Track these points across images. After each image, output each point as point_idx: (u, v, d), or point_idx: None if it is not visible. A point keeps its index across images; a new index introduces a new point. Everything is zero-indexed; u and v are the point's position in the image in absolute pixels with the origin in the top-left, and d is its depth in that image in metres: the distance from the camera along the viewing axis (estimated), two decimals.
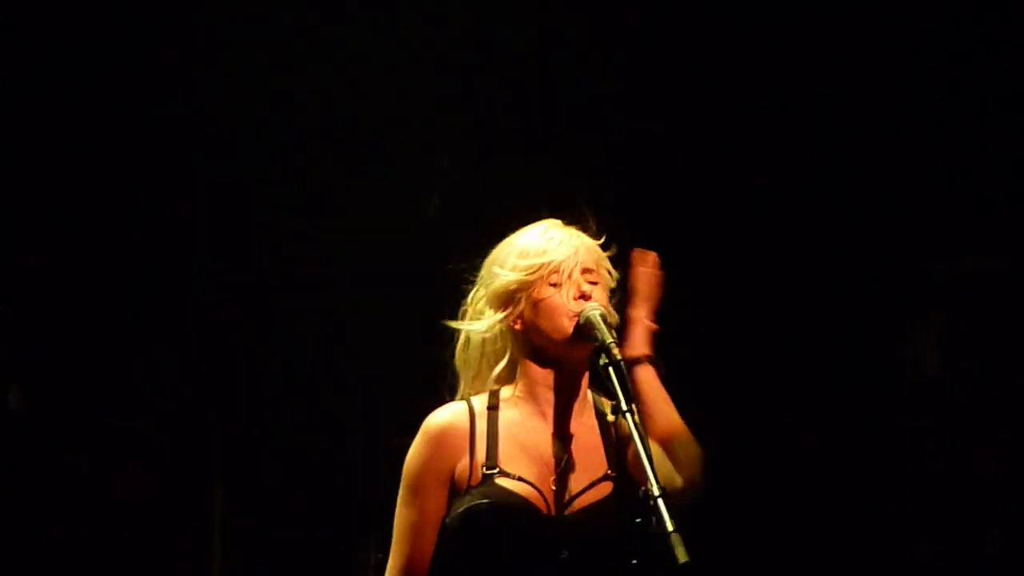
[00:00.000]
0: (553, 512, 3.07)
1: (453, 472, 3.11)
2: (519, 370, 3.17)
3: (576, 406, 3.17)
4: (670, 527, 2.80)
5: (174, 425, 4.92)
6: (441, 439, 3.12)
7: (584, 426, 3.17)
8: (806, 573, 4.82)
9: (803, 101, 4.86)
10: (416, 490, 3.12)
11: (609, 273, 3.20)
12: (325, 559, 4.92)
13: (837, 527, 4.82)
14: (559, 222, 3.22)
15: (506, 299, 3.15)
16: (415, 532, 3.11)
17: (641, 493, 2.88)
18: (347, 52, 4.84)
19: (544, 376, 3.16)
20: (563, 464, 3.11)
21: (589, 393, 3.20)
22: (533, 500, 3.06)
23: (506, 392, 3.17)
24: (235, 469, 4.95)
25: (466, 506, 3.05)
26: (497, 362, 3.18)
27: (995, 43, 4.68)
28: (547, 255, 3.13)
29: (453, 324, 3.20)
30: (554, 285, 3.12)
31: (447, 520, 3.09)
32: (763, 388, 4.78)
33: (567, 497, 3.09)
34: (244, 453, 4.96)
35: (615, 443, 3.15)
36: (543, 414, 3.15)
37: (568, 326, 3.09)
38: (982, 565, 4.27)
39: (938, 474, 4.21)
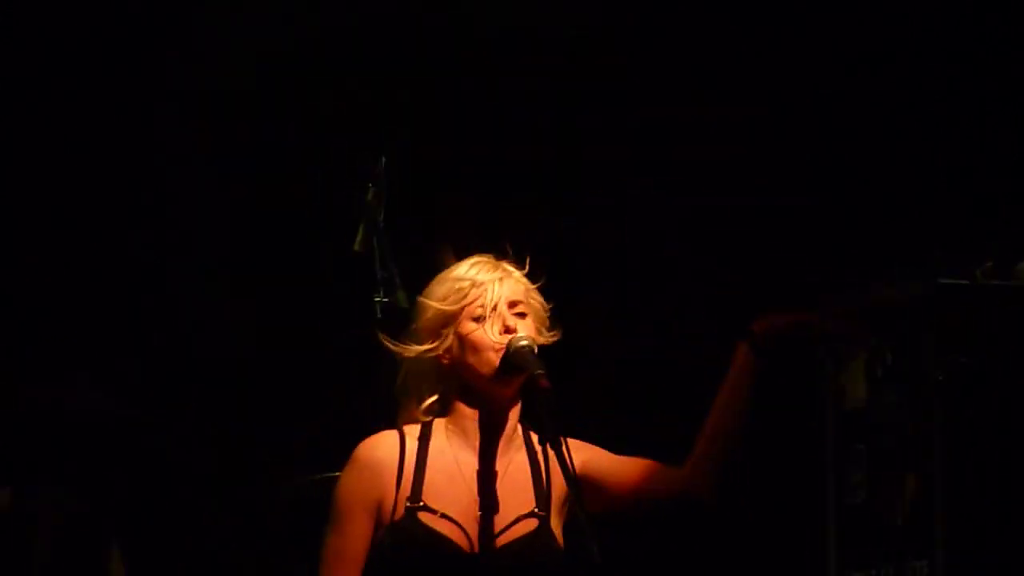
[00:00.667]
0: (476, 548, 3.08)
1: (380, 502, 3.12)
2: (451, 405, 3.18)
3: (504, 442, 3.18)
4: (597, 559, 2.83)
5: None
6: (369, 467, 3.14)
7: (513, 462, 3.19)
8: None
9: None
10: (342, 516, 3.14)
11: (540, 304, 3.22)
12: None
13: (763, 557, 4.84)
14: (488, 257, 3.23)
15: (433, 332, 3.19)
16: (339, 559, 3.13)
17: (573, 518, 2.91)
18: None
19: (473, 412, 3.18)
20: (488, 500, 3.11)
21: (519, 428, 3.21)
22: (454, 537, 3.08)
23: (438, 425, 3.18)
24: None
25: (386, 544, 3.07)
26: (429, 394, 3.19)
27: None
28: (472, 289, 3.15)
29: (385, 341, 3.21)
30: (478, 319, 3.14)
31: (370, 555, 3.10)
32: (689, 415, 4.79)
33: (491, 533, 3.10)
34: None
35: (545, 479, 3.16)
36: (472, 448, 3.17)
37: (494, 359, 3.11)
38: None
39: (863, 505, 4.23)
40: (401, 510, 3.08)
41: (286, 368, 4.89)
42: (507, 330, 3.12)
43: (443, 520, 3.08)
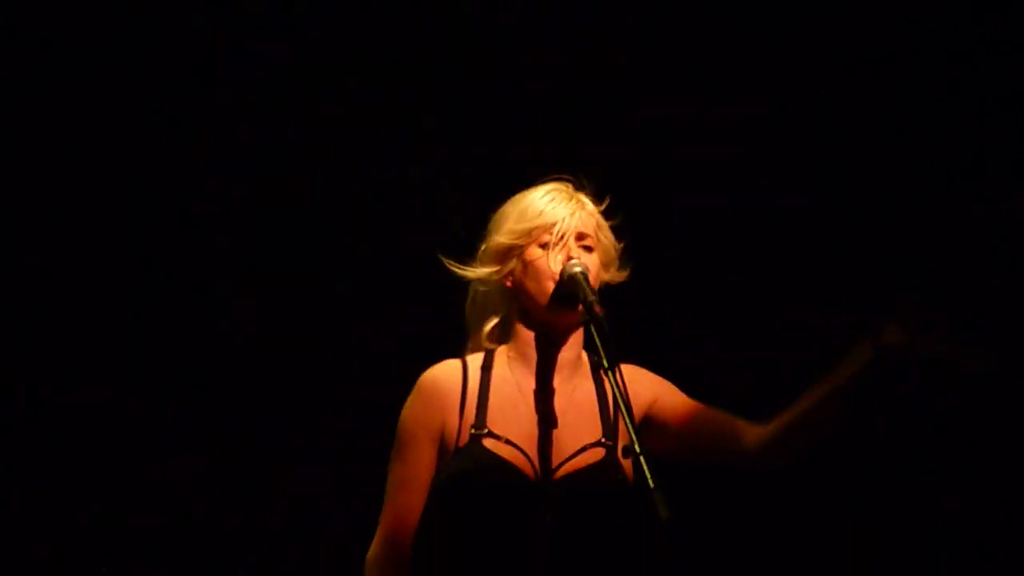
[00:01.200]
0: (540, 475, 3.05)
1: (443, 429, 3.10)
2: (512, 330, 3.17)
3: (567, 369, 3.15)
4: (652, 484, 2.79)
5: None
6: (432, 395, 3.12)
7: (578, 389, 3.16)
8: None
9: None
10: (406, 445, 3.12)
11: (610, 242, 3.19)
12: None
13: None
14: (566, 185, 3.21)
15: (500, 256, 3.17)
16: (404, 487, 3.11)
17: (623, 449, 2.88)
18: None
19: (535, 337, 3.15)
20: (552, 427, 3.09)
21: (584, 356, 3.18)
22: (519, 464, 3.05)
23: (500, 352, 3.16)
24: None
25: (450, 470, 3.04)
26: (493, 318, 3.18)
27: None
28: (542, 217, 3.15)
29: (449, 264, 3.20)
30: (544, 246, 3.12)
31: (434, 482, 3.08)
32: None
33: (556, 461, 3.07)
34: None
35: (613, 408, 3.13)
36: (535, 375, 3.15)
37: (551, 288, 3.09)
38: None
39: None
40: (466, 436, 3.07)
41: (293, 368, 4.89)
42: (570, 259, 3.11)
43: (507, 446, 3.07)
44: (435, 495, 3.07)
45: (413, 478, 3.10)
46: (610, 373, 2.95)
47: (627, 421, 2.90)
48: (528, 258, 3.12)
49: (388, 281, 4.85)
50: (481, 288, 3.20)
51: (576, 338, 3.16)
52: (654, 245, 4.90)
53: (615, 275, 3.20)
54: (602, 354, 2.99)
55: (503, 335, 3.19)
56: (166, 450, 4.85)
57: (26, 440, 4.81)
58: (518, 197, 3.20)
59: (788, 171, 4.86)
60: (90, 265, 4.82)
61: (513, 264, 3.14)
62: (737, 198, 4.87)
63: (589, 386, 3.17)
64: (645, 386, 3.16)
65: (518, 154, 4.78)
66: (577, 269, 3.07)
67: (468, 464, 3.04)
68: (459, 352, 3.21)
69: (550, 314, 3.12)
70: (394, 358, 4.76)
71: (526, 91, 4.88)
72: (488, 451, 3.04)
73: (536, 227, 3.12)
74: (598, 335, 3.00)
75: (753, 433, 3.17)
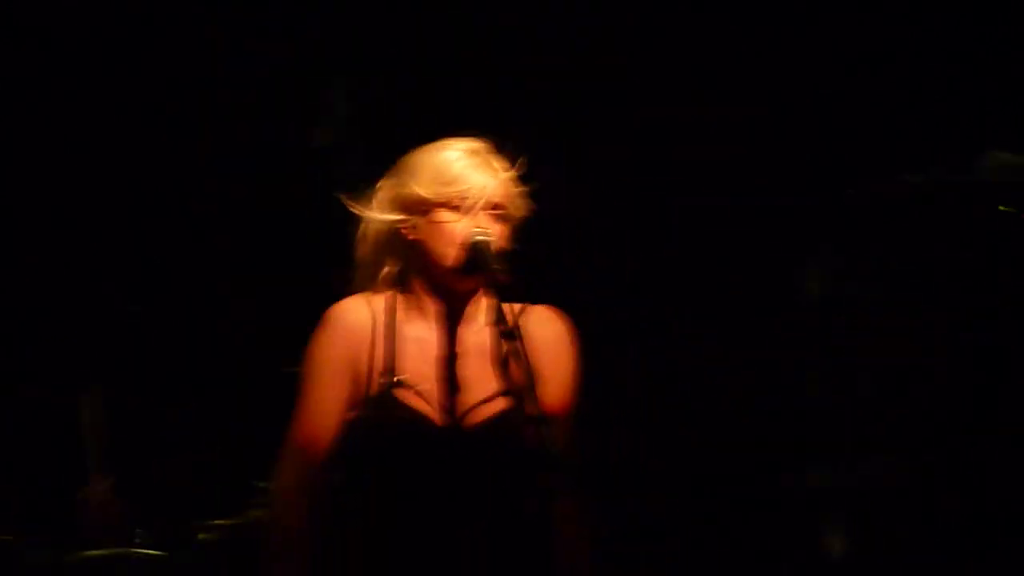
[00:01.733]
0: (448, 426, 3.05)
1: (354, 368, 3.08)
2: (410, 280, 3.15)
3: (469, 321, 3.13)
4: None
5: None
6: (344, 332, 3.09)
7: (477, 343, 3.14)
8: (697, 510, 4.81)
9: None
10: (318, 375, 3.09)
11: (520, 209, 3.16)
12: None
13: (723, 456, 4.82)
14: (481, 145, 3.17)
15: (406, 207, 3.11)
16: (316, 414, 3.08)
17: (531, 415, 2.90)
18: None
19: (434, 292, 3.13)
20: (456, 377, 3.08)
21: (484, 310, 3.16)
22: (429, 415, 3.04)
23: (400, 299, 3.14)
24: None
25: (365, 421, 3.03)
26: (391, 266, 3.15)
27: None
28: (456, 183, 3.09)
29: (348, 203, 3.18)
30: (455, 209, 3.09)
31: (347, 428, 3.06)
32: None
33: (460, 411, 3.06)
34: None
35: (514, 358, 3.10)
36: (434, 326, 3.12)
37: (456, 255, 3.07)
38: (867, 492, 4.30)
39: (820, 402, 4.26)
40: (376, 385, 3.07)
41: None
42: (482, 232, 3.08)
43: (417, 396, 3.06)
44: (348, 443, 3.05)
45: (325, 407, 3.05)
46: (509, 340, 2.96)
47: (528, 385, 2.94)
48: (436, 219, 3.07)
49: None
50: (374, 228, 3.16)
51: (478, 296, 3.13)
52: (654, 245, 4.96)
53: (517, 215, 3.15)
54: (508, 323, 2.99)
55: (398, 282, 3.15)
56: (166, 451, 4.86)
57: (25, 441, 4.81)
58: (432, 150, 3.11)
59: (788, 171, 4.87)
60: (89, 265, 4.82)
61: (417, 218, 3.10)
62: (737, 198, 4.87)
63: (485, 339, 3.13)
64: (551, 352, 3.13)
65: (518, 153, 4.77)
66: (481, 238, 3.04)
67: (382, 414, 3.02)
68: (345, 286, 3.18)
69: (453, 279, 3.09)
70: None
71: (526, 91, 4.88)
72: (400, 402, 3.03)
73: (450, 191, 3.08)
74: (500, 303, 3.00)
75: (562, 505, 3.12)
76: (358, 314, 3.11)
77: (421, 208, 3.10)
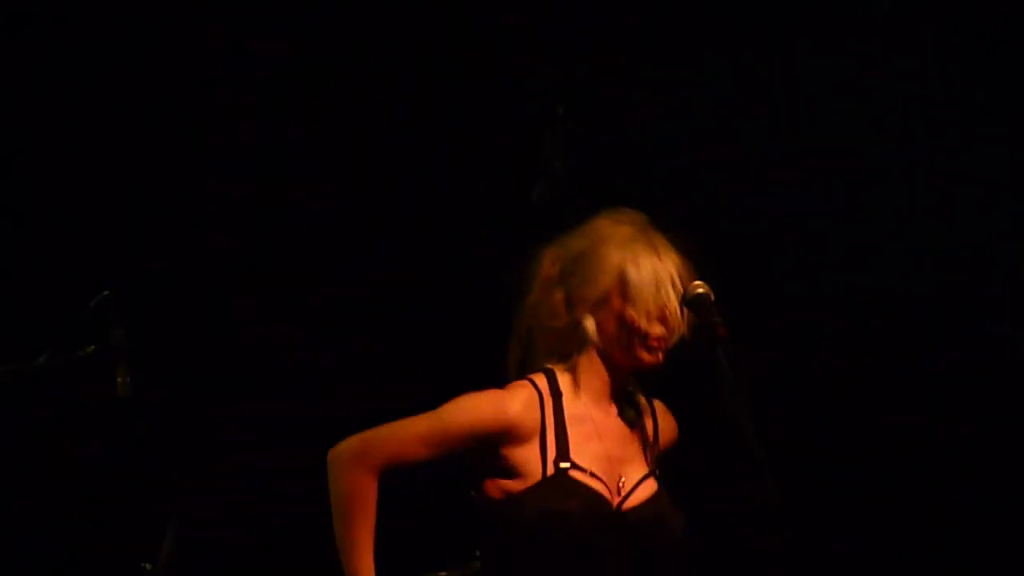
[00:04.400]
0: (616, 507, 3.10)
1: (499, 444, 3.10)
2: (579, 358, 3.17)
3: (622, 401, 3.19)
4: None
5: None
6: (504, 415, 3.10)
7: (631, 421, 3.20)
8: None
9: None
10: (451, 425, 3.09)
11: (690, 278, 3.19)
12: None
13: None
14: (642, 224, 3.21)
15: (595, 303, 3.15)
16: (418, 441, 3.09)
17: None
18: None
19: (603, 370, 3.17)
20: (618, 459, 3.13)
21: (630, 380, 3.21)
22: (605, 495, 3.08)
23: (562, 375, 3.17)
24: None
25: (546, 502, 3.05)
26: (557, 342, 3.18)
27: None
28: (648, 287, 3.12)
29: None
30: (637, 302, 3.12)
31: (522, 512, 3.07)
32: None
33: (623, 493, 3.11)
34: None
35: (653, 438, 3.19)
36: (599, 407, 3.17)
37: (638, 351, 3.11)
38: None
39: None
40: (551, 468, 3.09)
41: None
42: (664, 320, 3.12)
43: (593, 478, 3.08)
44: (525, 526, 3.07)
45: (433, 444, 3.09)
46: (734, 396, 2.97)
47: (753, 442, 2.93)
48: (623, 315, 3.13)
49: (388, 282, 4.86)
50: (547, 315, 3.19)
51: (631, 372, 3.20)
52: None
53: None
54: (728, 376, 2.99)
55: (562, 357, 3.18)
56: (166, 451, 4.86)
57: (26, 440, 4.81)
58: (620, 239, 3.17)
59: (788, 172, 4.88)
60: (90, 265, 4.81)
61: (599, 311, 3.15)
62: (738, 198, 4.88)
63: (634, 415, 3.20)
64: (667, 437, 3.23)
65: (517, 152, 4.79)
66: (701, 291, 3.07)
67: (562, 495, 3.05)
68: (503, 363, 3.21)
69: (634, 365, 3.14)
70: (396, 358, 4.79)
71: (525, 91, 4.88)
72: (579, 483, 3.06)
73: (642, 295, 3.12)
74: (725, 357, 3.00)
75: None
76: (526, 404, 3.12)
77: (609, 303, 3.14)
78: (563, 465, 3.06)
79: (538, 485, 3.06)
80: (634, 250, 3.12)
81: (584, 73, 4.67)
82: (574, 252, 3.19)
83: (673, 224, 3.18)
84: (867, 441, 4.82)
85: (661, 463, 3.20)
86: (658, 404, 3.25)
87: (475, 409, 3.11)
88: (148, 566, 4.01)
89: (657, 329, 3.10)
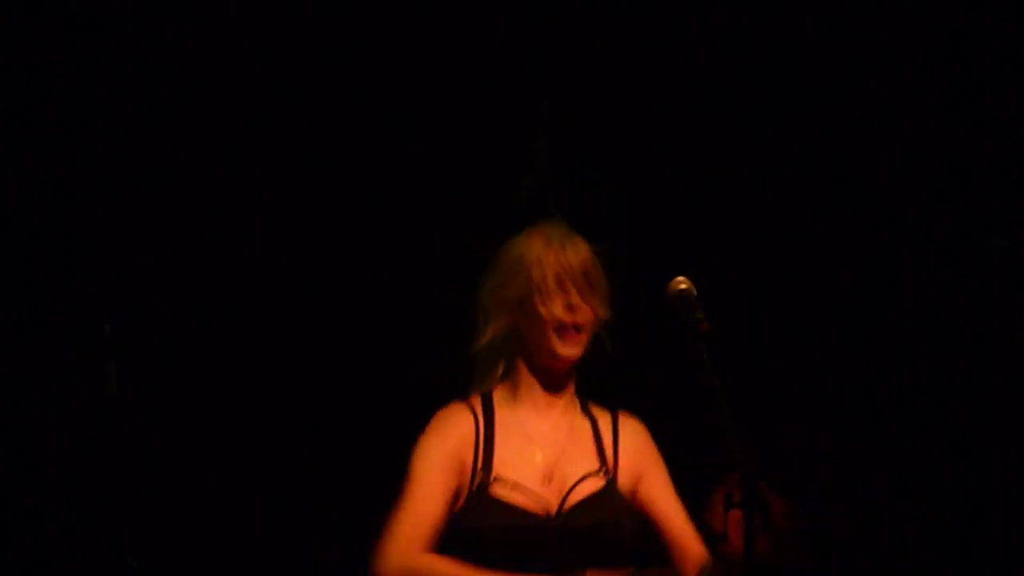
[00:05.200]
0: (551, 511, 3.12)
1: (461, 470, 3.16)
2: (515, 370, 3.23)
3: (563, 405, 3.22)
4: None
5: None
6: (453, 435, 3.17)
7: (575, 425, 3.22)
8: None
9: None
10: (426, 470, 3.20)
11: (604, 280, 3.23)
12: None
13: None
14: (556, 227, 3.24)
15: (510, 310, 3.20)
16: (423, 501, 3.20)
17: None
18: None
19: (536, 377, 3.21)
20: (555, 462, 3.15)
21: (574, 394, 3.25)
22: (527, 506, 3.11)
23: (498, 391, 3.22)
24: None
25: (464, 524, 3.11)
26: (491, 359, 3.23)
27: None
28: (550, 280, 3.17)
29: (473, 350, 3.25)
30: (542, 293, 3.16)
31: (455, 533, 3.15)
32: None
33: (560, 494, 3.13)
34: None
35: (611, 443, 3.21)
36: (536, 413, 3.20)
37: (553, 339, 3.14)
38: None
39: None
40: (475, 483, 3.12)
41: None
42: (570, 307, 3.15)
43: (515, 491, 3.14)
44: (458, 545, 3.17)
45: (432, 496, 3.17)
46: (713, 392, 2.98)
47: (731, 440, 2.93)
48: (530, 309, 3.17)
49: (387, 282, 4.86)
50: (490, 333, 3.25)
51: (570, 376, 3.23)
52: (657, 249, 4.96)
53: (608, 313, 3.25)
54: (709, 373, 2.99)
55: (504, 377, 3.25)
56: (165, 451, 4.86)
57: (25, 441, 4.81)
58: (513, 245, 3.25)
59: (788, 171, 4.87)
60: (89, 265, 4.82)
61: (517, 314, 3.19)
62: (738, 198, 4.87)
63: (584, 423, 3.24)
64: (641, 453, 3.24)
65: (517, 152, 4.78)
66: (683, 287, 3.07)
67: (477, 516, 3.10)
68: (465, 391, 3.26)
69: (554, 360, 3.16)
70: (392, 357, 4.79)
71: (509, 87, 4.88)
72: (496, 500, 3.10)
73: (529, 280, 3.17)
74: (708, 354, 3.00)
75: (693, 561, 3.18)
76: (462, 419, 3.25)
77: (517, 304, 3.21)
78: (483, 483, 3.13)
79: (463, 507, 3.17)
80: (537, 252, 3.18)
81: (568, 68, 4.68)
82: (490, 271, 3.32)
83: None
84: (861, 440, 4.82)
85: (636, 470, 3.21)
86: (623, 412, 3.33)
87: (428, 447, 3.22)
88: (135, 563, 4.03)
89: (561, 313, 3.10)
